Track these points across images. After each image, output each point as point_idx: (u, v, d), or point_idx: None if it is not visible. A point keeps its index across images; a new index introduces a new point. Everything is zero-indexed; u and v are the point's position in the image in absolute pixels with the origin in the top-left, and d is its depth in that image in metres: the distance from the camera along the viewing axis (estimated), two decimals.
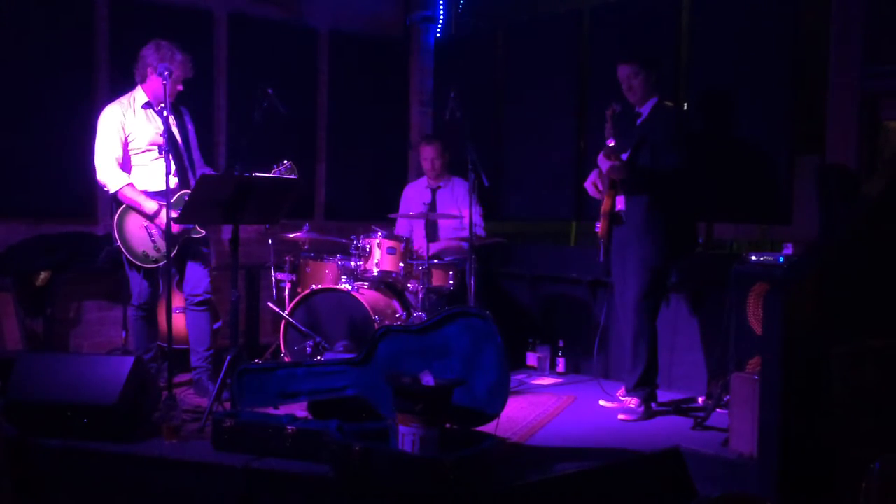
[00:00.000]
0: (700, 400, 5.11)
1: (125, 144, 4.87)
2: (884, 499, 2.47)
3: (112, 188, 4.81)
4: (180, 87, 4.92)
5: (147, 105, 4.91)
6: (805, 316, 3.60)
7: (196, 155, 5.11)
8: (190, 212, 4.43)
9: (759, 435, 3.67)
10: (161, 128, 4.85)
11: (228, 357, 4.39)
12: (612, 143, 4.80)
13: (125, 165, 4.87)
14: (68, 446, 3.92)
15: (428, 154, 6.29)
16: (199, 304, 5.03)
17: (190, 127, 5.09)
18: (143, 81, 4.91)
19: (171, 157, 4.55)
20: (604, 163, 4.82)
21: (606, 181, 4.90)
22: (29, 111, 5.75)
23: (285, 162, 5.12)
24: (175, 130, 4.89)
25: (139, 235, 4.84)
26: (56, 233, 5.84)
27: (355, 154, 7.25)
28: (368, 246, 5.60)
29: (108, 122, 4.85)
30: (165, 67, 4.62)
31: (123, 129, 4.84)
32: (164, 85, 4.57)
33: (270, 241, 6.04)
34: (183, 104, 5.08)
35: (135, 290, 4.96)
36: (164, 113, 4.67)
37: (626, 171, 4.74)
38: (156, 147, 4.87)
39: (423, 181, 6.46)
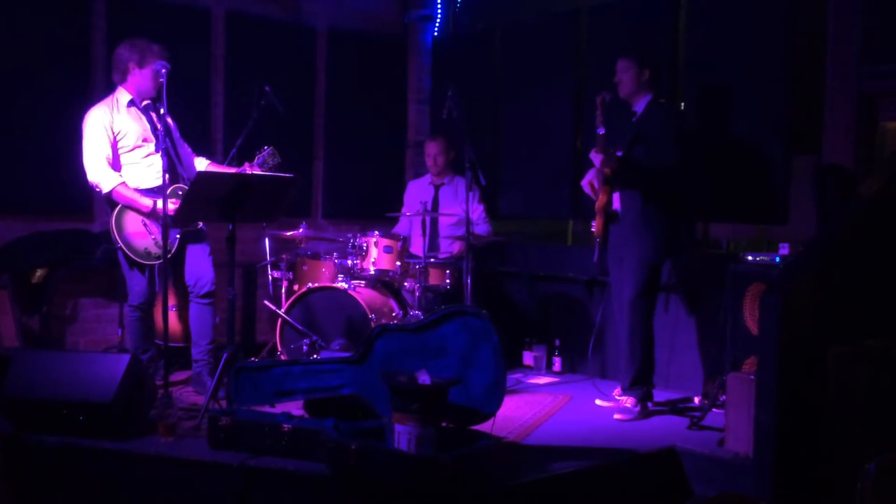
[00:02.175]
0: (696, 400, 5.12)
1: (114, 144, 4.85)
2: (879, 499, 2.48)
3: (105, 188, 4.79)
4: (163, 81, 4.88)
5: (131, 104, 4.90)
6: (801, 316, 3.60)
7: (184, 150, 5.09)
8: (187, 209, 4.42)
9: (754, 435, 3.68)
10: (147, 126, 4.85)
11: (225, 355, 4.38)
12: (602, 132, 4.81)
13: (115, 165, 4.86)
14: (64, 443, 3.92)
15: (431, 150, 6.30)
16: (205, 296, 5.01)
17: (171, 123, 5.06)
18: (123, 81, 4.90)
19: (164, 152, 4.52)
20: (596, 157, 4.83)
21: (601, 177, 4.91)
22: (26, 109, 5.74)
23: (266, 148, 5.08)
24: (159, 126, 4.87)
25: (139, 233, 4.83)
26: (53, 230, 5.84)
27: (353, 152, 7.25)
28: (365, 244, 5.60)
29: (94, 123, 4.82)
30: (162, 65, 4.60)
31: (112, 128, 4.82)
32: (162, 83, 4.55)
33: (267, 239, 6.04)
34: (180, 99, 5.05)
35: (135, 290, 4.95)
36: (161, 111, 4.64)
37: (618, 163, 4.75)
38: (145, 145, 4.86)
39: (427, 178, 6.47)
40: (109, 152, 4.83)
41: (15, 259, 5.63)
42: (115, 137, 4.84)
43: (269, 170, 5.02)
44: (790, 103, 5.09)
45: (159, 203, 4.71)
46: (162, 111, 4.64)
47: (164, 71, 4.56)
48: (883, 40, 4.76)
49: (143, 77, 4.84)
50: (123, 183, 4.81)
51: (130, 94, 4.90)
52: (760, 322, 3.68)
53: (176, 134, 5.08)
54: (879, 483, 2.48)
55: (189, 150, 5.20)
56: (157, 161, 4.66)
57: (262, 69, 6.49)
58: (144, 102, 4.91)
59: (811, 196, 5.00)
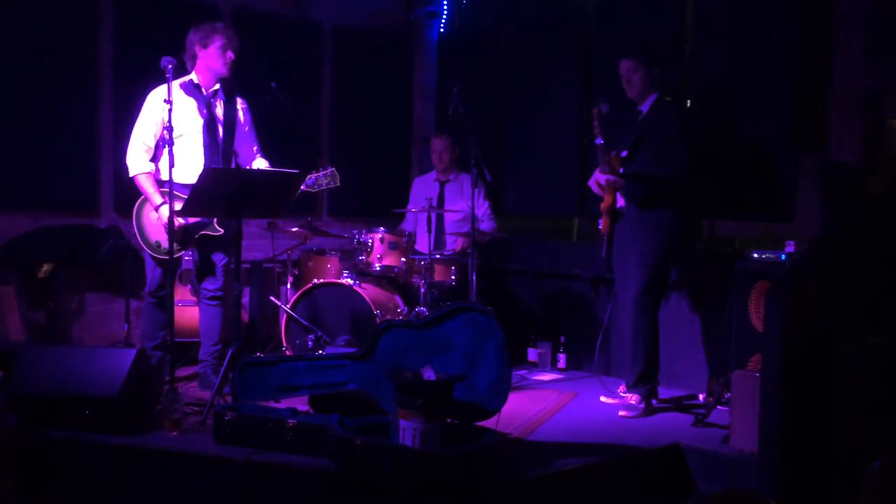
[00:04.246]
0: (701, 397, 5.12)
1: (163, 129, 4.70)
2: (884, 497, 2.48)
3: (130, 172, 4.82)
4: (231, 55, 4.84)
5: (196, 89, 4.86)
6: (806, 314, 3.60)
7: (245, 149, 5.04)
8: (192, 205, 4.41)
9: (759, 432, 3.68)
10: (209, 114, 4.83)
11: (230, 351, 4.40)
12: (600, 143, 4.82)
13: (159, 151, 4.82)
14: (70, 438, 3.93)
15: (437, 147, 6.32)
16: (212, 298, 5.03)
17: (242, 118, 5.00)
18: (193, 66, 4.87)
19: (173, 147, 4.47)
20: (602, 177, 4.85)
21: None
22: (32, 104, 5.75)
23: (328, 168, 4.95)
24: (173, 117, 4.82)
25: (154, 225, 4.83)
26: (58, 225, 5.85)
27: (358, 148, 7.25)
28: (370, 240, 5.60)
29: (150, 104, 4.81)
30: (169, 61, 4.57)
31: (165, 113, 4.76)
32: (167, 79, 4.54)
33: (273, 235, 6.04)
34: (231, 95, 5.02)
35: (149, 277, 4.96)
36: (168, 105, 4.62)
37: (625, 184, 4.78)
38: (194, 135, 4.81)
39: (433, 174, 6.48)
40: (150, 140, 4.79)
41: (21, 254, 5.64)
42: (165, 122, 4.68)
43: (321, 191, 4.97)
44: (797, 101, 5.08)
45: (163, 209, 4.71)
46: (169, 107, 4.61)
47: (170, 67, 4.54)
48: (890, 37, 4.75)
49: (208, 57, 4.80)
50: (148, 173, 4.80)
51: (199, 78, 4.83)
52: (766, 319, 3.68)
53: (242, 131, 5.02)
54: (884, 480, 2.48)
55: (255, 148, 5.09)
56: (200, 155, 4.69)
57: (269, 65, 6.48)
58: (214, 88, 4.88)
59: (817, 194, 4.99)
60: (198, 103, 4.87)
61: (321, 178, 4.93)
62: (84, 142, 5.62)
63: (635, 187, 4.79)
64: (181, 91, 4.84)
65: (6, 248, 5.62)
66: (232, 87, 4.91)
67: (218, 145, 4.87)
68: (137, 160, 4.81)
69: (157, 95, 4.80)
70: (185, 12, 6.24)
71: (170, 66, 4.53)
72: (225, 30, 4.86)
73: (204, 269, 5.03)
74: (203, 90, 4.88)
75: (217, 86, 4.92)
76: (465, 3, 7.54)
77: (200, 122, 4.84)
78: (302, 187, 4.84)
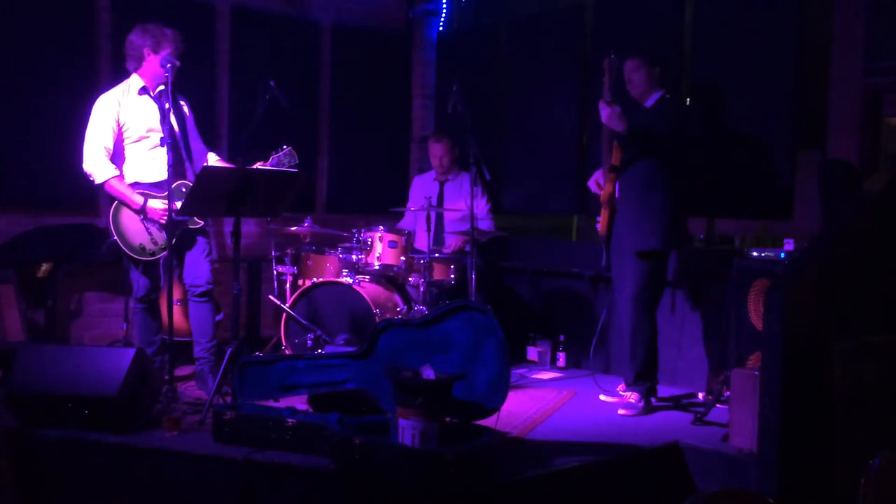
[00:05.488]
0: (700, 395, 5.12)
1: (118, 134, 4.80)
2: (882, 495, 2.48)
3: (98, 179, 4.77)
4: (178, 64, 4.83)
5: (143, 91, 4.85)
6: (806, 312, 3.60)
7: (196, 145, 5.05)
8: (192, 204, 4.42)
9: (759, 431, 3.68)
10: (157, 115, 4.80)
11: (229, 350, 4.39)
12: (608, 100, 4.79)
13: (117, 156, 4.83)
14: (69, 437, 3.93)
15: (436, 152, 6.31)
16: (201, 295, 5.01)
17: (188, 116, 5.02)
18: (138, 68, 4.85)
19: (171, 148, 4.50)
20: (604, 109, 4.77)
21: (606, 166, 4.91)
22: (31, 103, 5.75)
23: (284, 147, 5.03)
24: (172, 119, 4.83)
25: (135, 228, 4.80)
26: (58, 224, 5.86)
27: (357, 147, 7.25)
28: (370, 239, 5.60)
29: (100, 110, 4.79)
30: (168, 60, 4.60)
31: (118, 117, 4.79)
32: (167, 77, 4.55)
33: (272, 234, 6.05)
34: (184, 95, 5.05)
35: (134, 284, 4.95)
36: (167, 105, 4.63)
37: (625, 121, 4.68)
38: (151, 135, 4.81)
39: (432, 173, 6.48)
40: (109, 143, 4.79)
41: (20, 253, 5.65)
42: (119, 127, 4.80)
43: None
44: (795, 98, 5.09)
45: (150, 202, 4.73)
46: (168, 105, 4.64)
47: (169, 66, 4.56)
48: (888, 36, 4.75)
49: (156, 62, 4.77)
50: (117, 176, 4.77)
51: (144, 80, 4.84)
52: (765, 318, 3.67)
53: (190, 127, 5.03)
54: (883, 479, 2.48)
55: (202, 145, 5.14)
56: (163, 154, 4.62)
57: (267, 64, 6.49)
58: (159, 89, 4.85)
59: (816, 191, 4.99)
60: (150, 104, 4.85)
61: (282, 158, 5.00)
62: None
63: (631, 130, 4.70)
64: (134, 93, 4.84)
65: (5, 247, 5.63)
66: (174, 86, 4.87)
67: (178, 143, 4.85)
68: (101, 166, 4.77)
69: (105, 100, 4.82)
70: (183, 12, 6.26)
71: (168, 66, 4.55)
72: (174, 38, 4.80)
73: (185, 266, 5.01)
74: (150, 91, 4.87)
75: (161, 87, 4.87)
76: (464, 2, 7.54)
77: (153, 122, 4.82)
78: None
